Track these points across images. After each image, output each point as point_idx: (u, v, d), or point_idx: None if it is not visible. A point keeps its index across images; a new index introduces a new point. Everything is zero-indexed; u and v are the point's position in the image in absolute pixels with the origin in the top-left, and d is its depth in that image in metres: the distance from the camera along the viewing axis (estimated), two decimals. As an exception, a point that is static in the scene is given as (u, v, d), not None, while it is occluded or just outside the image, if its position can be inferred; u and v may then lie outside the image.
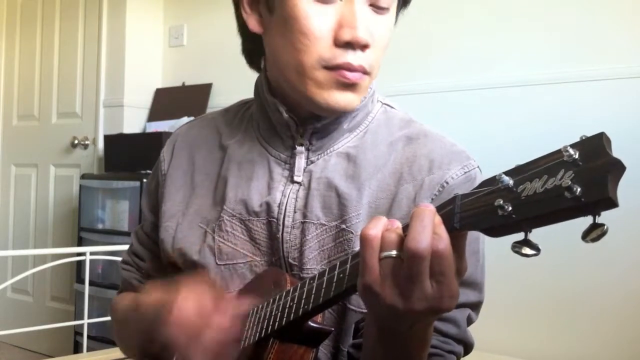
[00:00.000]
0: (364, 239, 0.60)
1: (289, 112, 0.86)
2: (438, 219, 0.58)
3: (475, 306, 0.84)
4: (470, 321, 0.84)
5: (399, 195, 0.83)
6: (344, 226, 0.82)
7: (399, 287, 0.58)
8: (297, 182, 0.86)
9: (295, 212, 0.84)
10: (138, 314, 0.87)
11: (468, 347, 0.84)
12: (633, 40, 2.08)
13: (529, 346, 2.17)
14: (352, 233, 0.82)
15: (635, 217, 1.97)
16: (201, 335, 0.76)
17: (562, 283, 2.13)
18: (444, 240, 0.56)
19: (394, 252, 0.58)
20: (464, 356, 0.84)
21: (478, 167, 0.86)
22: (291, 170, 0.87)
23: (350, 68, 0.79)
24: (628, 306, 2.03)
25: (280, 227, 0.84)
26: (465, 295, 0.81)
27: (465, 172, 0.83)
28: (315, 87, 0.80)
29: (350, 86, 0.80)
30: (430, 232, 0.56)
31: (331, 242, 0.83)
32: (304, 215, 0.84)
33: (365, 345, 0.73)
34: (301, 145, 0.87)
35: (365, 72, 0.80)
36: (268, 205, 0.85)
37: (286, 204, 0.85)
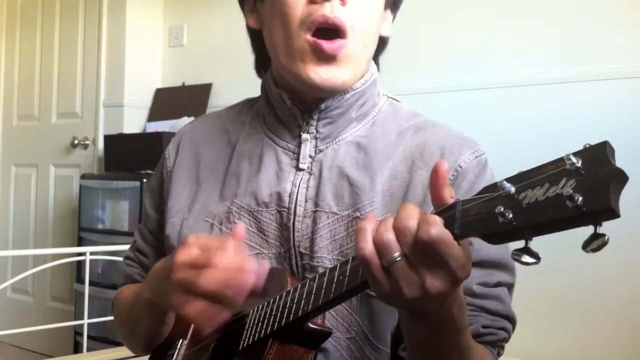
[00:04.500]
0: (363, 260, 0.59)
1: (292, 100, 0.87)
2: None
3: (510, 287, 0.85)
4: None
5: (413, 181, 0.83)
6: (357, 214, 0.82)
7: (413, 281, 0.58)
8: (303, 169, 0.86)
9: (306, 201, 0.85)
10: (144, 284, 0.83)
11: (513, 323, 0.84)
12: (633, 40, 2.08)
13: (525, 345, 2.17)
14: None
15: (633, 216, 1.97)
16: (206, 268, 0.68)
17: (558, 282, 2.13)
18: (432, 219, 0.56)
19: (395, 255, 0.58)
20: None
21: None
22: (298, 159, 0.87)
23: (327, 21, 0.79)
24: (625, 305, 2.03)
25: (292, 217, 0.84)
26: (499, 277, 0.82)
27: (476, 157, 0.85)
28: (300, 62, 0.81)
29: (330, 58, 0.81)
30: (415, 218, 0.57)
31: (343, 231, 0.82)
32: (316, 204, 0.84)
33: (410, 342, 0.72)
34: (307, 132, 0.87)
35: (342, 32, 0.80)
36: (279, 195, 0.86)
37: (297, 193, 0.85)
